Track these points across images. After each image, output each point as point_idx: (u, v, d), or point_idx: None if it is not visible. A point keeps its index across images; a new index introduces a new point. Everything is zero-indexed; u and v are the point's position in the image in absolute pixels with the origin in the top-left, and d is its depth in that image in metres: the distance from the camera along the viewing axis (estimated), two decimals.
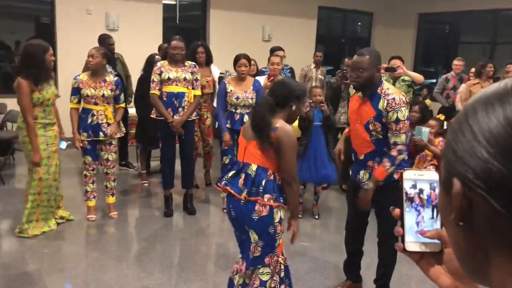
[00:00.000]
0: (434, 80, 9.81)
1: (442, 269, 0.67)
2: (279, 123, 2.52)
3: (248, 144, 2.57)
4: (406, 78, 5.57)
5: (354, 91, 3.08)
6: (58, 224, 4.29)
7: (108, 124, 4.35)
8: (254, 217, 2.50)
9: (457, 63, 6.95)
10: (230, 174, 2.62)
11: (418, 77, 5.59)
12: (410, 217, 0.70)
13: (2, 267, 3.56)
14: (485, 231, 0.48)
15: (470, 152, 0.47)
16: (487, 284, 0.50)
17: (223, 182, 2.64)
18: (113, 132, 4.40)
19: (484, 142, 0.46)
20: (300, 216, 4.85)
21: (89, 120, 4.29)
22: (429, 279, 0.70)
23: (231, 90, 4.61)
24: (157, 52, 5.93)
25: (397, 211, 0.72)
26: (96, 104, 4.30)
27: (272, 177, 2.53)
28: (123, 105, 4.53)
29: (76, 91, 4.29)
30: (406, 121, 2.83)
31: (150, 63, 5.44)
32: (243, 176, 2.55)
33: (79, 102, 4.34)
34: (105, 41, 5.83)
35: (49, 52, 3.97)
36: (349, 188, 3.29)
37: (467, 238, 0.51)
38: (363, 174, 3.03)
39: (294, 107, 2.60)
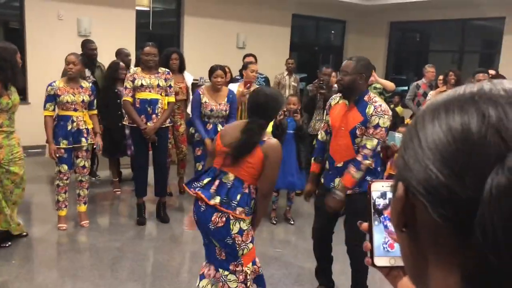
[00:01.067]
0: (406, 87, 10.01)
1: (407, 280, 0.66)
2: (266, 136, 2.55)
3: (228, 156, 2.54)
4: (378, 85, 5.68)
5: (337, 99, 3.16)
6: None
7: (87, 130, 4.32)
8: (210, 226, 2.51)
9: (429, 69, 7.11)
10: (206, 181, 2.58)
11: (390, 84, 5.71)
12: (378, 231, 0.69)
13: None
14: (425, 239, 0.47)
15: (414, 158, 0.47)
16: None
17: (197, 189, 2.59)
18: (101, 145, 4.45)
19: (426, 149, 0.46)
20: (274, 222, 4.87)
21: (69, 127, 4.22)
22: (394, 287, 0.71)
23: (205, 102, 4.60)
24: (117, 58, 5.85)
25: (364, 225, 0.72)
26: (75, 110, 4.25)
27: (247, 190, 2.52)
28: (95, 111, 4.49)
29: (51, 98, 4.20)
30: (384, 129, 2.91)
31: (113, 70, 5.39)
32: (217, 183, 2.53)
33: (54, 109, 4.26)
34: (86, 46, 5.79)
35: (18, 55, 3.90)
36: (319, 195, 3.29)
37: (410, 244, 0.51)
38: (338, 182, 3.04)
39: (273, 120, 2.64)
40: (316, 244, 3.40)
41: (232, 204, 2.47)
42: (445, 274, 0.46)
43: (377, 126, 2.88)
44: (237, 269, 2.56)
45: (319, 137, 3.35)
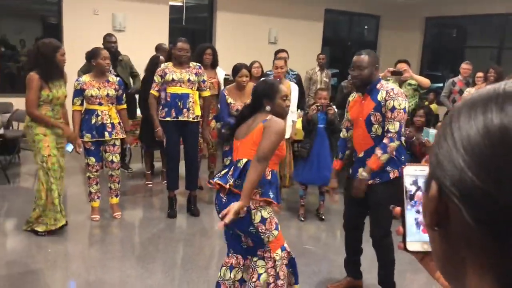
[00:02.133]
0: (441, 84, 9.77)
1: None
2: (269, 116, 2.57)
3: (240, 143, 2.61)
4: (413, 82, 5.55)
5: (354, 95, 3.25)
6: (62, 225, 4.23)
7: (112, 124, 4.35)
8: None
9: (465, 66, 6.91)
10: (223, 171, 2.67)
11: (425, 81, 5.57)
12: (410, 215, 0.67)
13: (6, 266, 3.56)
14: (459, 239, 0.46)
15: (448, 158, 0.45)
16: None
17: (215, 179, 2.66)
18: (129, 142, 4.59)
19: (461, 149, 0.44)
20: (302, 219, 4.84)
21: (93, 121, 4.29)
22: (432, 276, 0.69)
23: (230, 103, 4.61)
24: (157, 53, 5.93)
25: (397, 209, 0.70)
26: (100, 104, 4.31)
27: None
28: (125, 106, 4.55)
29: (79, 93, 4.30)
30: (402, 110, 2.94)
31: (154, 63, 5.45)
32: (232, 168, 2.59)
33: (82, 104, 4.35)
34: (105, 39, 5.86)
35: (61, 52, 4.00)
36: (348, 187, 3.31)
37: (442, 243, 0.49)
38: (361, 172, 3.09)
39: (268, 108, 2.60)
40: (346, 235, 3.45)
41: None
42: (479, 276, 0.44)
43: (393, 109, 2.92)
44: (265, 255, 2.57)
45: (341, 134, 3.44)
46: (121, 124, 4.46)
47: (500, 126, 0.42)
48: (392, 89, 2.98)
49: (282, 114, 2.69)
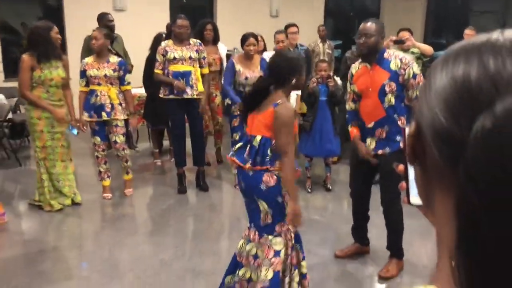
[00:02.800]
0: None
1: None
2: (281, 99, 2.56)
3: (254, 118, 2.62)
4: (415, 50, 5.52)
5: (357, 66, 3.25)
6: (70, 204, 4.38)
7: (112, 105, 4.38)
8: (262, 187, 2.56)
9: (468, 32, 6.83)
10: (237, 146, 2.71)
11: (428, 49, 5.54)
12: (413, 172, 0.73)
13: (23, 245, 3.69)
14: (432, 173, 0.53)
15: (425, 103, 0.52)
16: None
17: (230, 154, 2.73)
18: (133, 125, 4.67)
19: (433, 95, 0.51)
20: (309, 191, 4.92)
21: (92, 100, 4.35)
22: (432, 224, 0.74)
23: (239, 70, 4.64)
24: (165, 31, 5.93)
25: (401, 167, 0.75)
26: (99, 84, 4.35)
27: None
28: (129, 87, 4.53)
29: (82, 74, 4.38)
30: (421, 74, 3.04)
31: (157, 41, 5.46)
32: (248, 147, 2.62)
33: (87, 85, 4.41)
34: (104, 19, 5.85)
35: (54, 30, 4.05)
36: (355, 156, 3.37)
37: (422, 175, 0.57)
38: (370, 142, 3.16)
39: (294, 81, 2.61)
40: (354, 202, 3.53)
41: (266, 159, 2.54)
42: (444, 201, 0.52)
43: (414, 75, 2.99)
44: (283, 229, 2.63)
45: (347, 108, 3.41)
46: (123, 105, 4.46)
47: (463, 72, 0.48)
48: (404, 56, 3.05)
49: (299, 87, 2.77)
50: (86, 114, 4.36)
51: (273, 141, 2.57)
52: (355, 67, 3.30)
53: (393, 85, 3.01)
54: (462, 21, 10.34)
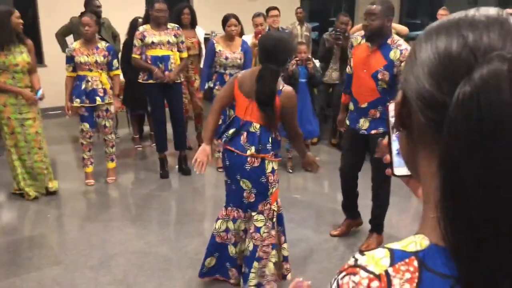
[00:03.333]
0: (420, 32, 9.83)
1: None
2: (282, 85, 2.62)
3: (251, 103, 2.62)
4: None
5: (359, 39, 3.22)
6: (48, 193, 4.37)
7: (104, 90, 4.42)
8: (246, 167, 2.65)
9: (442, 12, 6.96)
10: (231, 131, 2.69)
11: (403, 29, 5.66)
12: (396, 144, 0.77)
13: (8, 233, 3.70)
14: (417, 136, 0.61)
15: (411, 72, 0.59)
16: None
17: (223, 139, 2.73)
18: (116, 108, 4.63)
19: (419, 65, 0.58)
20: (290, 171, 5.02)
21: (83, 86, 4.36)
22: (416, 196, 0.82)
23: (219, 50, 4.67)
24: (140, 16, 5.88)
25: (384, 141, 0.82)
26: (90, 70, 4.37)
27: (273, 135, 2.67)
28: (118, 72, 4.59)
29: (69, 59, 4.38)
30: None
31: (133, 26, 5.43)
32: (245, 134, 2.64)
33: (74, 71, 4.40)
34: (91, 5, 5.79)
35: (15, 15, 4.00)
36: (347, 136, 3.46)
37: (407, 141, 0.64)
38: (363, 122, 3.22)
39: (288, 63, 2.73)
40: (343, 182, 3.59)
41: (268, 147, 2.64)
42: (429, 162, 0.59)
43: None
44: (265, 208, 2.73)
45: (347, 70, 3.46)
46: (113, 90, 4.53)
47: (445, 44, 0.56)
48: (406, 48, 2.98)
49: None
50: (77, 99, 4.37)
51: (273, 129, 2.65)
52: (356, 39, 3.26)
53: (386, 74, 3.03)
54: (436, 2, 10.47)
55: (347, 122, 3.39)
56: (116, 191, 4.62)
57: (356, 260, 0.59)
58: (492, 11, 0.57)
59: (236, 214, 2.82)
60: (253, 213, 2.75)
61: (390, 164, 0.78)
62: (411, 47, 0.63)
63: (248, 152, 2.62)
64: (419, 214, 0.75)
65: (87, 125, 4.47)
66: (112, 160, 4.74)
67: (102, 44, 4.47)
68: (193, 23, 5.45)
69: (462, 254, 0.52)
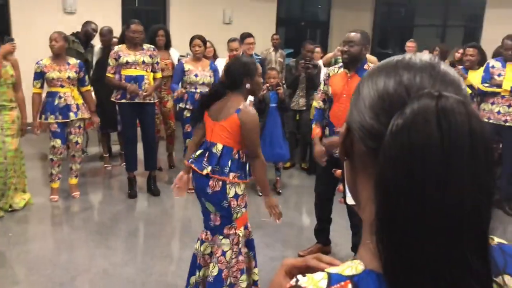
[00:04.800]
0: None
1: None
2: (242, 105, 2.65)
3: (215, 125, 2.68)
4: None
5: (336, 70, 3.39)
6: (12, 210, 4.27)
7: (77, 105, 4.45)
8: (208, 191, 2.66)
9: (409, 44, 7.26)
10: (198, 153, 2.75)
11: (373, 59, 5.85)
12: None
13: None
14: (358, 164, 0.67)
15: (355, 107, 0.66)
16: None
17: (190, 160, 2.79)
18: (97, 123, 4.73)
19: (361, 100, 0.65)
20: (260, 194, 5.03)
21: (56, 102, 4.36)
22: None
23: (189, 69, 4.75)
24: (114, 36, 5.91)
25: (338, 171, 0.88)
26: (62, 86, 4.38)
27: (236, 156, 2.67)
28: (89, 87, 4.64)
29: (38, 75, 4.36)
30: None
31: (106, 45, 5.47)
32: (207, 154, 2.69)
33: (42, 87, 4.39)
34: (87, 26, 6.02)
35: None
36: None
37: (350, 169, 0.70)
38: None
39: (248, 85, 2.70)
40: (318, 206, 3.66)
41: (225, 170, 2.63)
42: (366, 186, 0.65)
43: None
44: (230, 232, 2.72)
45: (316, 105, 3.56)
46: (85, 105, 4.57)
47: (384, 83, 0.63)
48: None
49: (257, 91, 2.86)
50: (52, 116, 4.36)
51: (234, 151, 2.66)
52: (333, 71, 3.42)
53: None
54: (406, 33, 10.86)
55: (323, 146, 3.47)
56: (82, 209, 4.54)
57: (297, 280, 0.63)
58: (425, 56, 0.65)
59: (204, 236, 2.83)
60: (220, 237, 2.75)
61: (343, 193, 0.84)
62: (357, 86, 0.70)
63: (204, 171, 2.64)
64: None
65: (59, 142, 4.43)
66: (76, 176, 4.71)
67: (73, 60, 4.50)
68: (167, 45, 5.50)
69: (394, 276, 0.56)
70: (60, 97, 4.37)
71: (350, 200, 0.84)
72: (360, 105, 0.65)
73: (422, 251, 0.54)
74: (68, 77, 4.39)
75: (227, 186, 2.64)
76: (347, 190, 0.84)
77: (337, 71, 3.38)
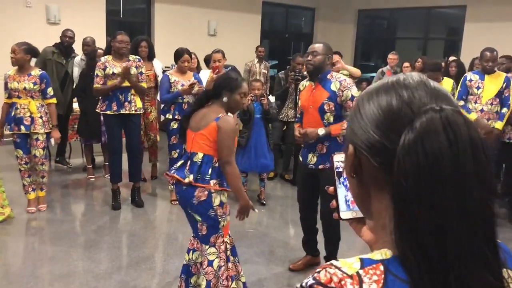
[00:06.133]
0: (374, 74, 10.29)
1: (366, 227, 0.89)
2: (222, 113, 2.70)
3: (195, 135, 2.73)
4: (345, 72, 5.88)
5: (305, 84, 3.46)
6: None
7: (32, 118, 4.36)
8: (194, 201, 2.69)
9: (391, 57, 7.40)
10: (179, 163, 2.80)
11: (356, 71, 5.95)
12: (341, 192, 0.88)
13: None
14: (368, 179, 0.72)
15: (358, 126, 0.71)
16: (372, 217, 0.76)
17: (172, 171, 2.81)
18: (56, 139, 4.60)
19: (365, 119, 0.70)
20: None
21: (12, 113, 4.37)
22: (358, 235, 0.89)
23: (174, 80, 4.75)
24: (99, 47, 5.90)
25: (331, 188, 0.91)
26: (19, 97, 4.37)
27: (216, 164, 2.71)
28: (52, 100, 4.52)
29: (5, 86, 4.40)
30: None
31: (91, 57, 5.46)
32: (188, 163, 2.73)
33: (9, 97, 4.40)
34: (64, 34, 5.94)
35: None
36: (300, 171, 3.59)
37: (359, 186, 0.75)
38: (311, 157, 3.35)
39: (225, 99, 2.75)
40: (301, 215, 3.67)
41: (206, 177, 2.67)
42: (381, 198, 0.71)
43: (352, 97, 3.20)
44: (218, 240, 2.75)
45: (298, 115, 3.65)
46: (44, 118, 4.43)
47: (386, 101, 0.69)
48: (345, 79, 3.27)
49: (235, 109, 2.88)
50: (8, 126, 4.37)
51: (215, 159, 2.69)
52: (303, 85, 3.51)
53: (332, 104, 3.23)
54: (388, 46, 11.05)
55: (300, 158, 3.50)
56: (65, 221, 4.49)
57: (331, 262, 0.68)
58: (415, 75, 0.72)
59: (195, 245, 2.85)
60: (206, 246, 2.76)
61: (337, 209, 0.88)
62: (354, 105, 0.75)
63: (187, 180, 2.67)
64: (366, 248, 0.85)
65: (20, 152, 4.44)
66: (41, 189, 4.65)
67: (36, 71, 4.44)
68: (150, 56, 5.50)
69: (412, 264, 0.63)
70: (16, 108, 4.35)
71: (345, 215, 0.88)
72: (365, 124, 0.70)
73: (441, 247, 0.61)
74: (24, 88, 4.33)
75: (213, 195, 2.68)
76: (340, 206, 0.87)
77: (305, 85, 3.48)
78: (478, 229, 0.62)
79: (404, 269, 0.64)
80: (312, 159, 3.35)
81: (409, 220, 0.63)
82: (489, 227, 0.63)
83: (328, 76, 3.28)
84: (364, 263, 0.66)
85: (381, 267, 0.65)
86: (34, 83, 4.37)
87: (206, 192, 2.66)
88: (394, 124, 0.66)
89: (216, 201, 2.69)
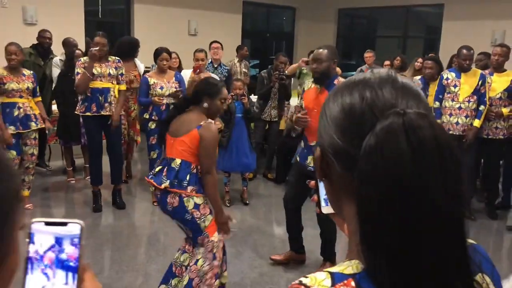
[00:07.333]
0: (354, 72, 10.37)
1: None
2: (203, 121, 2.69)
3: (175, 141, 2.72)
4: None
5: (310, 84, 3.44)
6: None
7: (35, 115, 4.50)
8: (169, 208, 2.70)
9: (367, 55, 7.50)
10: (157, 169, 2.79)
11: (336, 70, 5.98)
12: (323, 187, 0.87)
13: None
14: (337, 184, 0.70)
15: (324, 129, 0.68)
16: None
17: (150, 176, 2.82)
18: (50, 126, 4.80)
19: (330, 122, 0.67)
20: (228, 205, 5.04)
21: (16, 113, 4.36)
22: (341, 230, 0.89)
23: (154, 82, 4.71)
24: (78, 48, 5.82)
25: (312, 183, 0.91)
26: (21, 97, 4.42)
27: (194, 171, 2.70)
28: (40, 98, 4.69)
29: None
30: None
31: (69, 58, 5.38)
32: (165, 168, 2.72)
33: None
34: (40, 35, 5.84)
35: None
36: (294, 170, 3.59)
37: (330, 188, 0.73)
38: (310, 159, 3.34)
39: (205, 105, 2.74)
40: (286, 212, 3.68)
41: (183, 184, 2.66)
42: (350, 205, 0.67)
43: None
44: (204, 241, 2.74)
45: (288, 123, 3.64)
46: (41, 115, 4.63)
47: (349, 104, 0.65)
48: None
49: (215, 114, 2.87)
50: (12, 127, 4.35)
51: (193, 165, 2.67)
52: (308, 85, 3.48)
53: None
54: (368, 44, 11.14)
55: (297, 157, 3.51)
56: None
57: (300, 281, 0.64)
58: (383, 71, 0.68)
59: (187, 247, 2.85)
60: (196, 250, 2.78)
61: (318, 203, 0.88)
62: (323, 104, 0.72)
63: (163, 185, 2.66)
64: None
65: (14, 153, 4.39)
66: (28, 188, 4.63)
67: (27, 71, 4.55)
68: (132, 54, 5.42)
69: (378, 274, 0.60)
70: (19, 108, 4.40)
71: (326, 210, 0.88)
72: (328, 126, 0.67)
73: (406, 256, 0.58)
74: (27, 88, 4.46)
75: (184, 200, 2.66)
76: (321, 200, 0.88)
77: (311, 86, 3.44)
78: (444, 239, 0.58)
79: (373, 284, 0.61)
80: (311, 161, 3.33)
81: (373, 231, 0.59)
82: (457, 236, 0.60)
83: (335, 82, 3.25)
84: (335, 279, 0.62)
85: (352, 283, 0.61)
86: (32, 83, 4.49)
87: (177, 198, 2.66)
88: (357, 129, 0.63)
89: (190, 205, 2.68)
